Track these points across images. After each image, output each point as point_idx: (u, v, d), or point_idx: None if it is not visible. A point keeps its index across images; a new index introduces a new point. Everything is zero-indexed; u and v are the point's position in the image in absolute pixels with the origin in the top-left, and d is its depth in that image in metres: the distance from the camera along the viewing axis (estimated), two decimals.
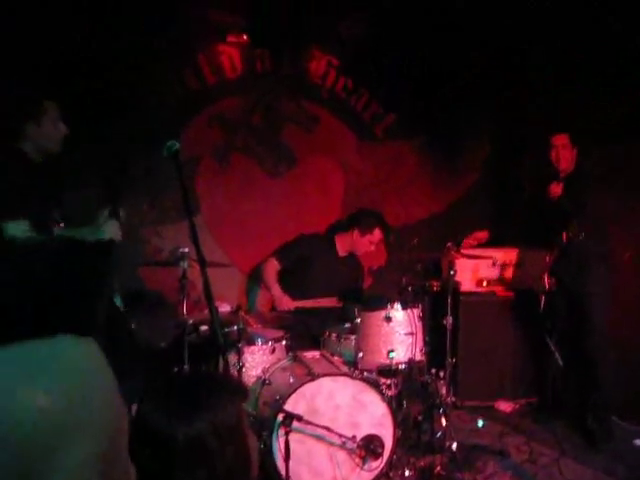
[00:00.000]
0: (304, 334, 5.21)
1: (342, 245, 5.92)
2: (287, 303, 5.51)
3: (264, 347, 4.74)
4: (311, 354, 4.72)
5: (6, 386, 0.66)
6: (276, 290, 5.63)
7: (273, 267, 5.77)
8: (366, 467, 4.09)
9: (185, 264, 4.55)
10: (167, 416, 1.46)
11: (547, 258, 5.40)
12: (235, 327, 4.50)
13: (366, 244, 5.82)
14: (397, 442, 4.27)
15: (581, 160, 5.34)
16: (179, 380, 1.61)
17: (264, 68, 6.26)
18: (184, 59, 6.01)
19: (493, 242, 6.46)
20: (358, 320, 4.74)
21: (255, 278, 6.13)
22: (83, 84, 5.28)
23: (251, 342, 4.73)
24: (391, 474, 4.30)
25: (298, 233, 5.99)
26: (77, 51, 5.32)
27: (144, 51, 5.62)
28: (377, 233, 5.80)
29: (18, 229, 3.48)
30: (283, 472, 3.90)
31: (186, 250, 4.47)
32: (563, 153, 5.29)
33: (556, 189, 5.21)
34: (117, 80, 5.47)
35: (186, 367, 4.34)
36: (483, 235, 5.85)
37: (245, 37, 6.10)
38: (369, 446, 4.07)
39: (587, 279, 5.25)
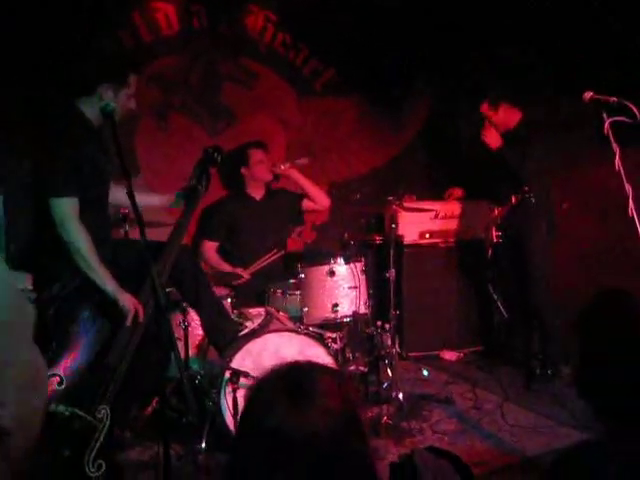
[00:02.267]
0: (249, 291, 5.20)
1: (253, 189, 5.82)
2: (242, 274, 5.42)
3: None
4: (256, 311, 4.74)
5: None
6: (226, 268, 5.54)
7: (211, 248, 5.70)
8: None
9: (126, 226, 4.51)
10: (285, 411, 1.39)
11: (495, 212, 5.49)
12: None
13: (257, 169, 5.70)
14: None
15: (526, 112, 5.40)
16: (280, 372, 1.53)
17: (201, 25, 6.14)
18: (119, 17, 5.86)
19: (433, 195, 6.54)
20: (302, 275, 4.76)
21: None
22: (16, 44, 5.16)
23: None
24: None
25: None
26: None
27: (78, 8, 5.47)
28: (254, 153, 5.69)
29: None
30: (232, 428, 3.94)
31: (127, 211, 4.41)
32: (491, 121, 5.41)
33: (491, 139, 5.30)
34: (54, 40, 5.33)
35: None
36: (458, 192, 6.14)
37: None
38: None
39: (530, 235, 5.35)
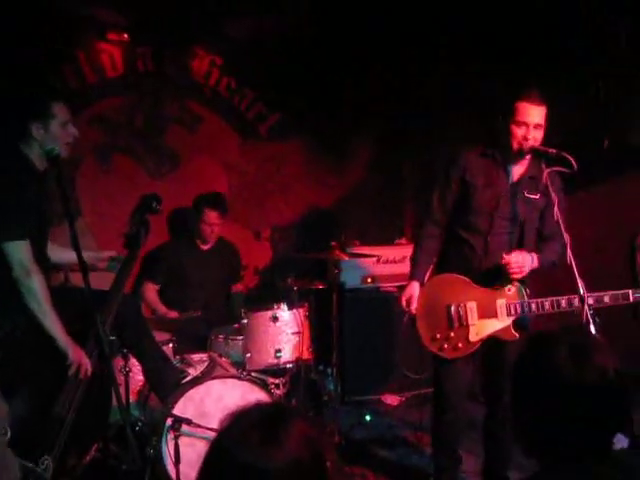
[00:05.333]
0: (190, 336, 5.16)
1: (200, 240, 5.78)
2: (173, 315, 5.38)
3: None
4: (199, 356, 4.71)
5: None
6: (162, 309, 5.50)
7: (151, 290, 5.63)
8: None
9: (67, 270, 4.45)
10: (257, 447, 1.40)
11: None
12: None
13: (205, 229, 5.65)
14: None
15: None
16: (252, 412, 1.54)
17: (146, 67, 6.15)
18: (63, 57, 5.83)
19: (378, 240, 6.58)
20: (245, 321, 4.75)
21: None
22: None
23: None
24: None
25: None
26: None
27: (21, 51, 5.44)
28: (208, 214, 5.60)
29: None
30: (174, 476, 3.89)
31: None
32: (534, 135, 3.90)
33: None
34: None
35: None
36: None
37: (126, 36, 5.99)
38: None
39: None
